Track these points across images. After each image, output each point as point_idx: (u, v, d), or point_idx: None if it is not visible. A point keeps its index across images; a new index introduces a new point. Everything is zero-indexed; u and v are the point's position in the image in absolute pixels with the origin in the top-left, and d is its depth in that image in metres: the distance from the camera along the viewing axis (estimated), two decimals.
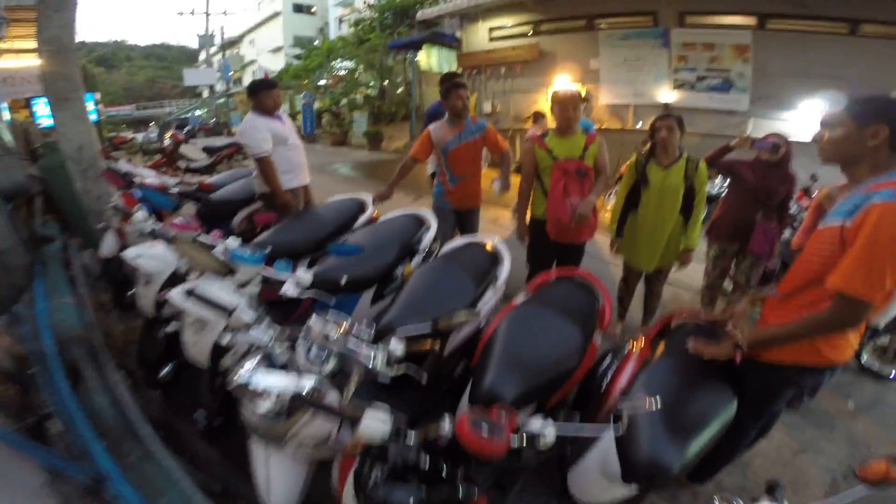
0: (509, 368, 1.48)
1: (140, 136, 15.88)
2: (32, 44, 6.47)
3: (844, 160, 1.42)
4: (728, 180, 3.40)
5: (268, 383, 1.07)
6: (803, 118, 7.00)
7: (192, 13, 25.13)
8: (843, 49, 6.84)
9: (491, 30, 10.05)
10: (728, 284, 3.27)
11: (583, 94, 3.00)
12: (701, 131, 7.59)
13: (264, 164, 3.03)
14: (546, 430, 1.00)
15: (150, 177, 3.67)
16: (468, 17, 10.35)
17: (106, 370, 2.19)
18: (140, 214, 2.27)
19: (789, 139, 2.86)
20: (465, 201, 3.13)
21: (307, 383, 1.07)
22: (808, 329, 1.37)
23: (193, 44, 28.35)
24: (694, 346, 1.59)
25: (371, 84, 15.30)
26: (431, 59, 14.28)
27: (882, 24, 6.64)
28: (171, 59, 55.02)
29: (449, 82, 2.97)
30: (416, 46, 12.31)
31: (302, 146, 3.36)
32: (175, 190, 3.57)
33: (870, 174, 1.34)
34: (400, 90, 14.76)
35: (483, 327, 1.91)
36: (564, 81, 8.77)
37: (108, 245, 3.04)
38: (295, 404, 1.06)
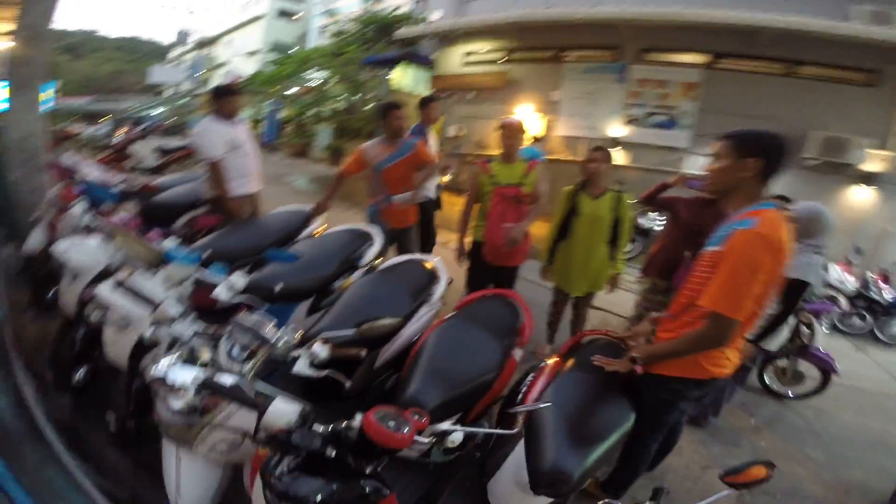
0: (432, 380, 1.56)
1: (91, 130, 15.12)
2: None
3: (724, 190, 1.57)
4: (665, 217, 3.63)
5: (184, 377, 1.06)
6: None
7: (174, 7, 24.08)
8: (781, 89, 7.49)
9: (466, 54, 10.33)
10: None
11: (530, 127, 3.18)
12: (644, 166, 8.08)
13: (214, 169, 3.04)
14: (454, 430, 1.10)
15: (94, 172, 3.55)
16: (447, 38, 10.59)
17: (12, 370, 2.11)
18: (78, 208, 2.23)
19: None
20: (399, 220, 3.18)
21: (227, 379, 1.07)
22: (687, 344, 1.52)
23: (168, 40, 27.44)
24: (597, 360, 1.72)
25: (341, 97, 15.18)
26: (405, 78, 14.45)
27: (817, 65, 7.33)
28: (142, 54, 53.20)
29: (388, 104, 3.11)
30: (391, 64, 12.35)
31: (256, 154, 3.38)
32: (118, 188, 3.46)
33: (743, 204, 1.50)
34: (369, 106, 14.82)
35: (415, 342, 1.98)
36: (527, 111, 9.11)
37: (35, 239, 2.91)
38: (207, 394, 1.07)
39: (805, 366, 3.30)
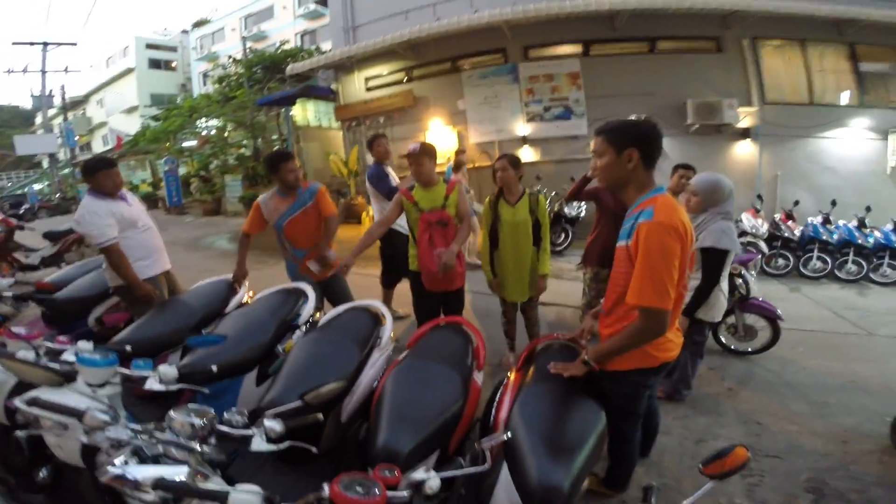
0: (399, 425, 1.53)
1: None
2: None
3: (615, 184, 1.62)
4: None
5: (145, 473, 1.05)
6: None
7: (25, 71, 21.07)
8: (649, 65, 8.31)
9: (367, 79, 10.31)
10: None
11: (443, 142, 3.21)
12: (555, 158, 8.59)
13: (112, 254, 2.73)
14: (429, 477, 1.09)
15: None
16: (343, 68, 10.50)
17: None
18: None
19: None
20: (321, 270, 3.03)
21: (181, 470, 1.07)
22: (628, 339, 1.55)
23: (28, 104, 24.37)
24: (554, 368, 1.76)
25: (244, 143, 14.37)
26: (308, 114, 14.09)
27: (672, 39, 8.27)
28: (0, 123, 47.18)
29: (275, 156, 2.96)
30: (289, 102, 12.02)
31: (155, 227, 3.11)
32: (9, 293, 3.08)
33: (636, 195, 1.57)
34: (276, 147, 14.32)
35: (376, 387, 1.95)
36: (438, 124, 9.34)
37: None
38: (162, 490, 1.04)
39: (753, 318, 3.45)
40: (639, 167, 1.54)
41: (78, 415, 1.31)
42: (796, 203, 6.71)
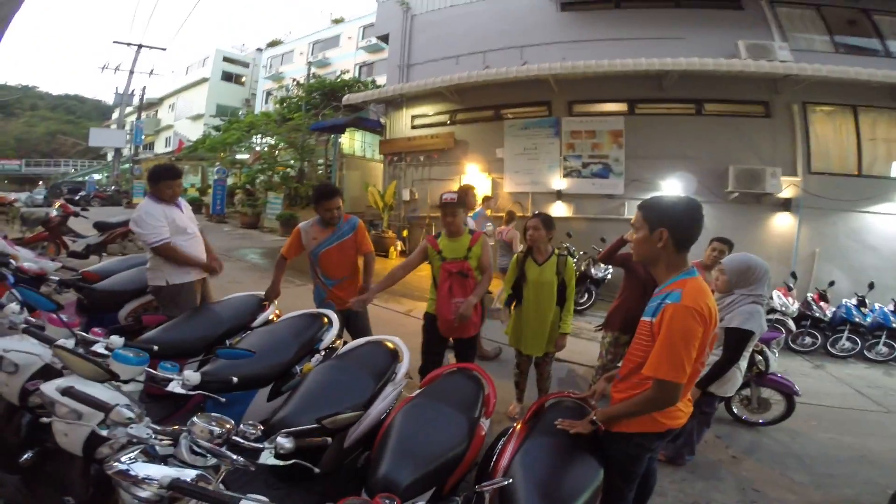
0: (401, 458, 1.59)
1: (22, 198, 14.14)
2: None
3: (647, 260, 1.66)
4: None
5: (150, 471, 1.12)
6: None
7: (117, 69, 23.15)
8: (691, 128, 8.26)
9: (413, 117, 10.71)
10: None
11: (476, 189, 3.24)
12: (587, 216, 8.56)
13: (166, 251, 2.93)
14: None
15: (27, 260, 3.33)
16: (393, 103, 10.97)
17: None
18: (13, 307, 2.15)
19: None
20: (348, 300, 3.03)
21: (189, 473, 1.13)
22: (639, 406, 1.60)
23: (110, 99, 26.64)
24: (561, 423, 1.79)
25: (291, 163, 14.93)
26: (354, 143, 14.74)
27: (719, 102, 8.23)
28: (81, 114, 51.00)
29: (321, 191, 3.06)
30: (340, 130, 12.53)
31: (200, 237, 3.29)
32: (55, 277, 3.28)
33: (666, 274, 1.62)
34: (320, 172, 14.67)
35: (383, 419, 2.01)
36: (474, 170, 9.56)
37: None
38: (175, 491, 1.10)
39: (769, 392, 3.43)
40: (669, 248, 1.57)
41: (107, 409, 1.39)
42: (831, 284, 6.52)
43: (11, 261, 3.05)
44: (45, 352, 1.97)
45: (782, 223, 7.93)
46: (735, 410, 3.52)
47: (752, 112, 8.17)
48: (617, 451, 1.73)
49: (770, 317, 5.52)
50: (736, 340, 2.51)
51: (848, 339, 5.98)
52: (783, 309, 5.84)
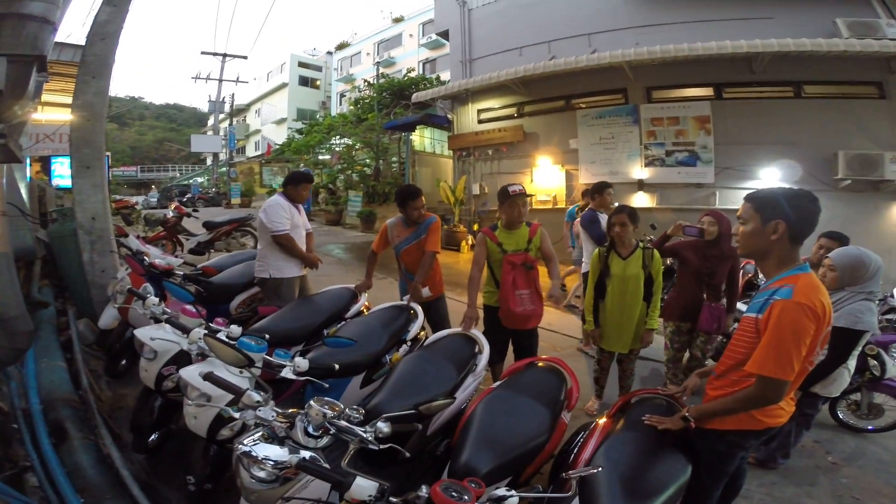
0: (483, 446, 1.67)
1: (141, 201, 16.24)
2: (59, 98, 6.59)
3: (756, 254, 1.59)
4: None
5: (269, 452, 1.27)
6: (764, 187, 7.53)
7: (207, 78, 25.34)
8: (790, 112, 7.49)
9: (479, 112, 10.70)
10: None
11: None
12: (673, 206, 8.04)
13: (285, 240, 3.31)
14: (510, 496, 1.20)
15: (157, 257, 3.87)
16: (458, 99, 11.04)
17: (98, 430, 2.41)
18: (153, 299, 2.49)
19: (724, 218, 3.15)
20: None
21: (305, 454, 1.28)
22: (738, 403, 1.56)
23: (206, 107, 29.52)
24: (649, 419, 1.78)
25: (367, 162, 15.49)
26: (424, 140, 15.06)
27: (822, 84, 7.38)
28: (181, 121, 56.72)
29: (405, 192, 3.19)
30: (410, 127, 12.87)
31: (305, 238, 3.61)
32: (180, 272, 3.75)
33: (776, 268, 1.54)
34: (394, 169, 15.16)
35: (464, 409, 2.11)
36: (546, 162, 9.36)
37: (108, 317, 3.29)
38: (293, 470, 1.25)
39: (883, 398, 3.13)
40: (784, 241, 1.50)
41: (239, 393, 1.58)
42: None
43: (145, 258, 3.52)
44: (181, 339, 2.24)
45: None
46: (840, 415, 3.24)
47: (863, 93, 7.24)
48: (708, 449, 1.69)
49: (888, 316, 4.89)
50: (844, 340, 2.35)
51: None
52: None
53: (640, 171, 8.45)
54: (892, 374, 3.01)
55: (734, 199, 7.71)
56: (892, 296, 5.14)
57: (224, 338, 2.08)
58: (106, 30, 3.85)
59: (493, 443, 1.69)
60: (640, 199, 8.28)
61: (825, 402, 2.76)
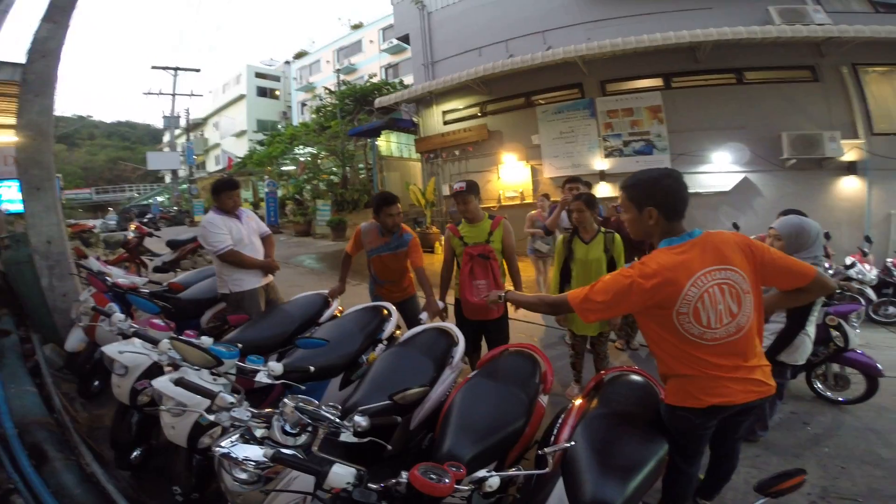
0: (463, 434, 1.70)
1: (98, 224, 15.52)
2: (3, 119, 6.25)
3: (644, 237, 1.68)
4: None
5: (248, 453, 1.29)
6: (717, 170, 7.91)
7: (159, 93, 24.36)
8: (734, 98, 7.94)
9: (444, 113, 10.82)
10: None
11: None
12: None
13: (231, 257, 3.18)
14: (490, 476, 1.25)
15: (119, 276, 3.77)
16: (423, 102, 11.13)
17: (78, 451, 2.38)
18: (119, 315, 2.43)
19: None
20: (396, 296, 3.32)
21: (288, 451, 1.27)
22: (541, 305, 1.94)
23: (160, 123, 28.40)
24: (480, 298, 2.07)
25: (334, 170, 15.37)
26: (391, 145, 14.99)
27: (761, 69, 7.86)
28: (135, 139, 54.06)
29: (380, 199, 3.17)
30: (376, 133, 12.79)
31: (259, 246, 3.49)
32: (145, 290, 3.66)
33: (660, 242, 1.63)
34: (362, 176, 15.05)
35: (444, 401, 2.13)
36: (511, 159, 9.54)
37: (74, 340, 3.22)
38: (275, 468, 1.27)
39: (850, 370, 3.23)
40: (661, 222, 1.58)
41: (212, 395, 1.59)
42: None
43: (107, 278, 3.42)
44: (151, 353, 2.18)
45: (849, 187, 7.45)
46: (817, 387, 3.36)
47: (799, 77, 7.78)
48: (669, 425, 1.72)
49: (844, 284, 5.08)
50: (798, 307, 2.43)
51: None
52: (860, 277, 5.33)
53: (600, 163, 8.72)
54: (854, 345, 3.13)
55: (691, 184, 7.89)
56: (844, 265, 5.44)
57: None
58: (46, 47, 3.70)
59: (472, 429, 1.72)
60: (604, 190, 8.54)
61: (795, 372, 2.83)
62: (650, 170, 1.64)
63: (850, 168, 7.33)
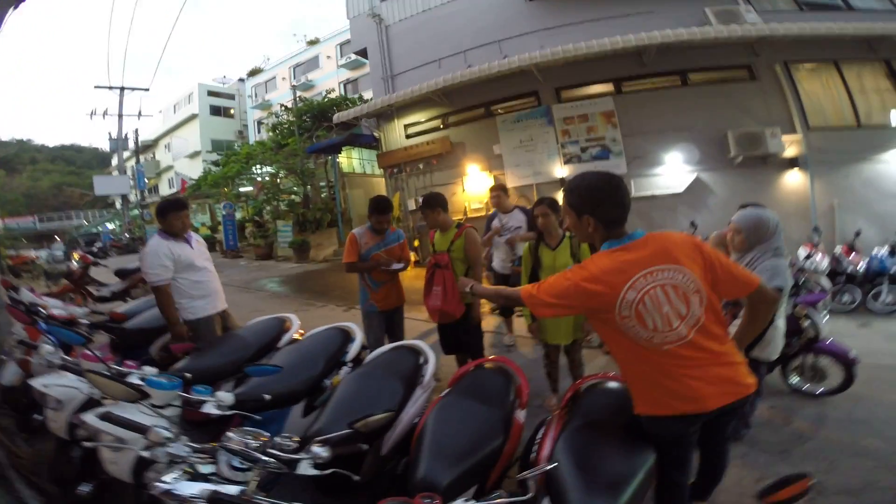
0: (438, 458, 1.59)
1: (43, 255, 14.48)
2: None
3: (586, 240, 1.74)
4: None
5: (193, 490, 1.17)
6: (671, 171, 8.18)
7: (105, 114, 22.99)
8: (680, 100, 8.25)
9: (406, 126, 10.72)
10: None
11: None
12: None
13: (160, 293, 2.95)
14: None
15: (56, 307, 3.49)
16: (384, 116, 10.99)
17: (15, 487, 2.27)
18: (47, 347, 2.30)
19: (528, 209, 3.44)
20: (389, 302, 3.37)
21: (231, 489, 1.17)
22: (500, 297, 1.99)
23: (107, 146, 26.78)
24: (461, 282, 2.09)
25: (294, 190, 15.02)
26: (353, 161, 14.78)
27: (702, 70, 8.22)
28: (81, 163, 51.78)
29: (373, 205, 3.26)
30: (336, 149, 12.56)
31: (213, 270, 3.33)
32: (85, 321, 3.42)
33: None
34: (324, 194, 14.77)
35: (416, 423, 2.01)
36: (475, 170, 9.56)
37: (9, 374, 3.01)
38: None
39: (825, 360, 3.23)
40: (599, 229, 1.58)
41: (143, 430, 1.45)
42: (857, 234, 6.29)
43: (41, 309, 3.19)
44: (84, 386, 2.05)
45: (793, 181, 7.84)
46: (792, 382, 3.35)
47: (737, 77, 8.17)
48: (649, 432, 1.64)
49: (800, 277, 5.16)
50: None
51: (889, 291, 5.55)
52: (813, 267, 5.40)
53: (560, 170, 8.84)
54: (826, 334, 3.17)
55: (647, 186, 8.33)
56: (799, 256, 5.57)
57: (137, 380, 1.89)
58: None
59: (447, 453, 1.61)
60: (559, 204, 8.62)
61: (769, 368, 2.83)
62: (588, 174, 1.62)
63: (793, 163, 7.71)
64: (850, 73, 7.97)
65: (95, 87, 21.83)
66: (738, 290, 1.61)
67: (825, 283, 5.51)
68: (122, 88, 21.94)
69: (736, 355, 1.59)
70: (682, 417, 1.52)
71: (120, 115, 22.46)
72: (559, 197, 7.29)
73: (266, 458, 1.29)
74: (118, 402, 1.78)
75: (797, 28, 7.36)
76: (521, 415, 2.04)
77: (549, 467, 1.44)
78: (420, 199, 3.13)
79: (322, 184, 14.84)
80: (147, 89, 22.75)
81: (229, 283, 3.52)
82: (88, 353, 2.24)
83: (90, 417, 1.70)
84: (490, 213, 5.65)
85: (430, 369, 2.37)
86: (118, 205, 27.09)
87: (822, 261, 5.58)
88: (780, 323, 2.58)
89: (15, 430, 2.99)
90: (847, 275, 5.83)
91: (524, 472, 1.38)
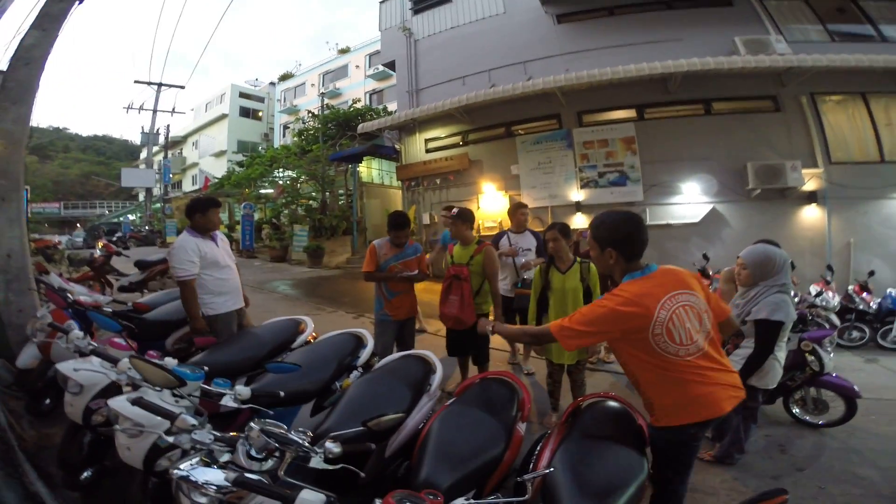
0: (441, 461, 1.67)
1: (65, 240, 14.90)
2: None
3: (605, 271, 1.87)
4: None
5: (209, 476, 1.23)
6: (687, 201, 8.13)
7: (140, 109, 23.84)
8: (702, 128, 8.21)
9: (427, 141, 10.89)
10: None
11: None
12: None
13: (185, 288, 3.04)
14: None
15: (82, 294, 3.64)
16: (406, 129, 11.19)
17: (21, 469, 2.31)
18: (77, 332, 2.36)
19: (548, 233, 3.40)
20: (402, 312, 3.48)
21: (249, 476, 1.22)
22: (526, 336, 2.20)
23: (138, 138, 27.47)
24: (482, 325, 2.19)
25: (313, 195, 15.19)
26: (372, 171, 14.99)
27: (727, 100, 8.19)
28: (111, 154, 53.07)
29: (397, 221, 3.38)
30: (357, 158, 12.77)
31: (235, 269, 3.44)
32: (108, 309, 3.53)
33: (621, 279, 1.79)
34: (341, 202, 14.92)
35: (420, 429, 2.09)
36: (490, 189, 9.64)
37: (27, 356, 3.09)
38: (237, 494, 1.20)
39: (829, 393, 3.29)
40: (620, 262, 1.76)
41: (173, 417, 1.53)
42: (871, 274, 6.27)
43: (69, 294, 3.31)
44: (109, 371, 2.11)
45: (810, 216, 7.73)
46: (795, 412, 3.38)
47: (762, 108, 8.12)
48: (660, 442, 1.75)
49: (807, 312, 5.29)
50: (766, 331, 2.53)
51: None
52: (823, 304, 5.53)
53: (577, 194, 8.88)
54: (830, 369, 3.20)
55: (662, 215, 8.30)
56: (810, 294, 5.63)
57: None
58: (31, 54, 3.66)
59: (450, 457, 1.69)
60: (580, 220, 8.68)
61: (770, 397, 2.90)
62: (614, 213, 1.82)
63: (811, 197, 7.61)
64: (877, 107, 7.83)
65: (135, 81, 22.61)
66: (718, 314, 1.83)
67: (834, 319, 5.60)
68: (160, 84, 22.68)
69: (731, 365, 1.81)
70: (703, 423, 1.69)
71: (154, 111, 23.20)
72: (573, 222, 7.38)
73: (298, 440, 1.36)
74: (143, 391, 1.85)
75: (826, 59, 7.28)
76: (522, 427, 2.12)
77: (546, 472, 1.51)
78: (437, 214, 3.27)
79: (340, 191, 15.04)
80: (183, 87, 23.60)
81: (243, 283, 3.66)
82: (119, 341, 2.33)
83: (118, 402, 1.76)
84: (498, 231, 5.78)
85: (437, 379, 2.45)
86: (141, 197, 27.77)
87: (832, 298, 5.67)
88: (781, 355, 2.69)
89: (23, 413, 3.05)
90: (858, 312, 5.88)
91: (525, 475, 1.46)
